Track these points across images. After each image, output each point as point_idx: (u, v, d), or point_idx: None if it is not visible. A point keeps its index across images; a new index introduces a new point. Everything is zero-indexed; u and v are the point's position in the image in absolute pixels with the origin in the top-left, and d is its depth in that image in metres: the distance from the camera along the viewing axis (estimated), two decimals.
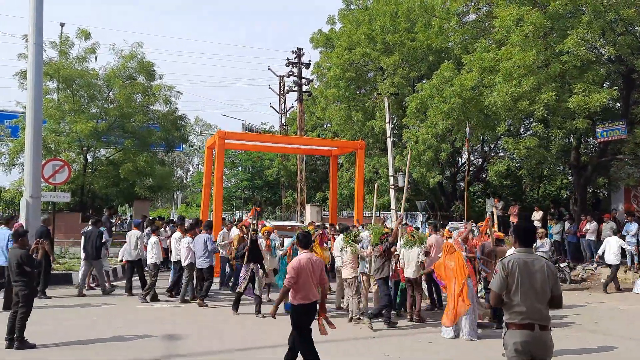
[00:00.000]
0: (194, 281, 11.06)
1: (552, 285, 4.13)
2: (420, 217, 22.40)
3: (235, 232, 12.23)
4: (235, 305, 9.75)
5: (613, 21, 14.06)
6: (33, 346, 7.03)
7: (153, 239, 11.41)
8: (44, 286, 11.07)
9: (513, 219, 18.17)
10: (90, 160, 23.18)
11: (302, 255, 5.86)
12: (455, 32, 19.08)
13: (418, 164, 20.34)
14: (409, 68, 22.51)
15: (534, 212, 17.73)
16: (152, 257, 11.20)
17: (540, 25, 14.30)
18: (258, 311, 9.59)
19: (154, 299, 10.91)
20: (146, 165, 22.01)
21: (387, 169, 21.90)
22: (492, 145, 23.38)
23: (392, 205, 21.26)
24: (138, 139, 22.32)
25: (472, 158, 25.32)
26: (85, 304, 10.45)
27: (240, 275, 9.88)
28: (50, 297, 10.94)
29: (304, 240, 6.08)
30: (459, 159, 25.17)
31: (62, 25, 23.67)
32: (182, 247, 11.00)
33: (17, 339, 7.00)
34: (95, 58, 22.31)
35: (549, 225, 16.83)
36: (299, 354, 5.79)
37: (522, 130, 20.12)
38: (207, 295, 10.82)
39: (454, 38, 19.48)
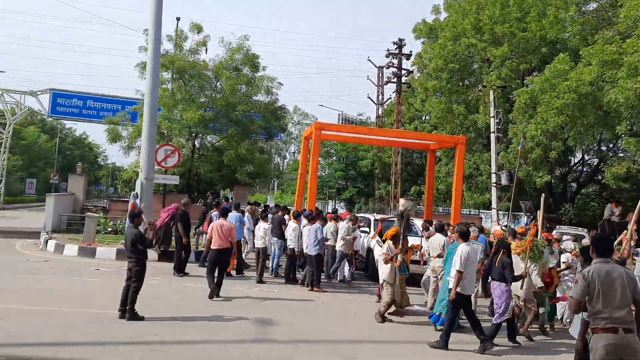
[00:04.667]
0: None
1: (632, 290, 4.43)
2: (524, 219, 21.17)
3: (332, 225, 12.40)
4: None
5: None
6: (142, 318, 7.61)
7: (265, 225, 12.02)
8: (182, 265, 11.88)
9: (633, 227, 16.51)
10: (197, 146, 24.50)
11: (216, 222, 9.87)
12: (573, 22, 17.72)
13: (524, 162, 19.22)
14: (519, 60, 21.25)
15: None
16: (263, 242, 11.85)
17: None
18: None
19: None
20: (247, 153, 22.84)
21: (490, 165, 20.95)
22: (611, 145, 21.48)
23: (494, 204, 20.32)
24: (241, 128, 23.20)
25: (586, 158, 23.45)
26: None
27: (500, 303, 7.62)
28: (186, 274, 11.74)
29: (223, 213, 10.45)
30: (572, 158, 23.41)
31: (178, 19, 25.23)
32: (309, 235, 11.35)
33: (129, 311, 7.61)
34: (206, 50, 23.40)
35: None
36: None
37: None
38: (320, 282, 11.23)
39: (571, 29, 18.09)
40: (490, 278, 7.96)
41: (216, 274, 9.74)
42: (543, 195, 9.53)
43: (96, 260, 13.22)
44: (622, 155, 20.18)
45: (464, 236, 7.77)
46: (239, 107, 22.80)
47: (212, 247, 9.63)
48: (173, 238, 12.77)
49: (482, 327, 7.51)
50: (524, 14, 21.44)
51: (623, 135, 17.05)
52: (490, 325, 7.81)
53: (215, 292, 9.46)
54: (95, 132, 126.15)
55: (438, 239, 9.79)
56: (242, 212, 13.09)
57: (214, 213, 12.68)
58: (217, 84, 23.57)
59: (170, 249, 13.77)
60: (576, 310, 4.71)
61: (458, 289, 7.35)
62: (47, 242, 15.01)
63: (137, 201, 13.10)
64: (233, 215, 12.34)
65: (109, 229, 17.48)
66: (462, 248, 7.57)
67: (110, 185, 56.44)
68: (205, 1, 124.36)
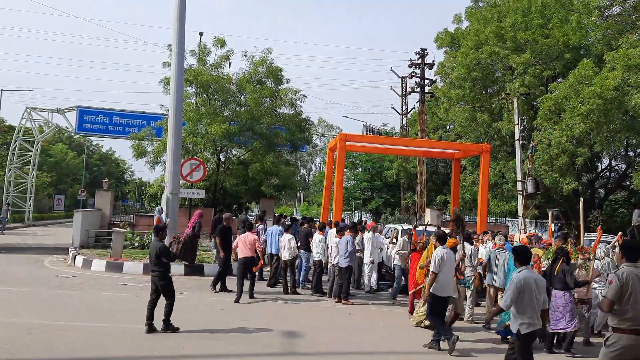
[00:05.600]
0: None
1: None
2: (552, 227, 20.77)
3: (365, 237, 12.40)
4: None
5: None
6: (177, 329, 7.72)
7: (289, 236, 11.90)
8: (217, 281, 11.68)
9: None
10: (222, 159, 24.65)
11: (241, 235, 10.97)
12: (596, 28, 17.49)
13: (550, 169, 18.90)
14: (542, 67, 21.03)
15: None
16: (290, 253, 11.74)
17: None
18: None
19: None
20: (272, 165, 22.86)
21: (515, 173, 20.66)
22: (638, 150, 21.00)
23: (520, 212, 20.00)
24: (265, 140, 23.28)
25: (614, 163, 22.95)
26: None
27: (568, 314, 7.72)
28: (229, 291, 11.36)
29: (249, 227, 11.31)
30: (599, 164, 22.92)
31: (201, 34, 25.65)
32: (340, 246, 11.26)
33: (164, 321, 7.73)
34: (229, 64, 23.53)
35: None
36: None
37: None
38: (349, 295, 11.12)
39: (594, 34, 17.91)
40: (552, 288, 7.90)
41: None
42: (581, 200, 9.50)
43: (123, 275, 13.40)
44: None
45: (441, 240, 8.08)
46: (264, 120, 22.86)
47: (239, 256, 10.76)
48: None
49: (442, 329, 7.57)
50: (546, 20, 21.25)
51: None
52: (566, 338, 7.83)
53: (250, 295, 10.71)
54: (121, 148, 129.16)
55: (465, 248, 9.73)
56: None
57: (260, 227, 13.05)
58: (241, 98, 23.74)
59: (197, 263, 13.93)
60: (609, 310, 4.79)
61: (433, 291, 7.64)
62: (75, 257, 15.26)
63: (163, 216, 13.27)
64: (275, 229, 12.44)
65: (136, 244, 17.70)
66: (438, 251, 7.86)
67: (136, 201, 57.38)
68: (228, 15, 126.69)
